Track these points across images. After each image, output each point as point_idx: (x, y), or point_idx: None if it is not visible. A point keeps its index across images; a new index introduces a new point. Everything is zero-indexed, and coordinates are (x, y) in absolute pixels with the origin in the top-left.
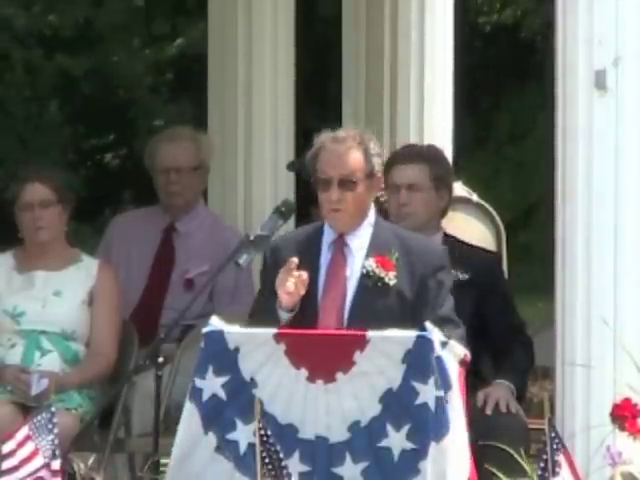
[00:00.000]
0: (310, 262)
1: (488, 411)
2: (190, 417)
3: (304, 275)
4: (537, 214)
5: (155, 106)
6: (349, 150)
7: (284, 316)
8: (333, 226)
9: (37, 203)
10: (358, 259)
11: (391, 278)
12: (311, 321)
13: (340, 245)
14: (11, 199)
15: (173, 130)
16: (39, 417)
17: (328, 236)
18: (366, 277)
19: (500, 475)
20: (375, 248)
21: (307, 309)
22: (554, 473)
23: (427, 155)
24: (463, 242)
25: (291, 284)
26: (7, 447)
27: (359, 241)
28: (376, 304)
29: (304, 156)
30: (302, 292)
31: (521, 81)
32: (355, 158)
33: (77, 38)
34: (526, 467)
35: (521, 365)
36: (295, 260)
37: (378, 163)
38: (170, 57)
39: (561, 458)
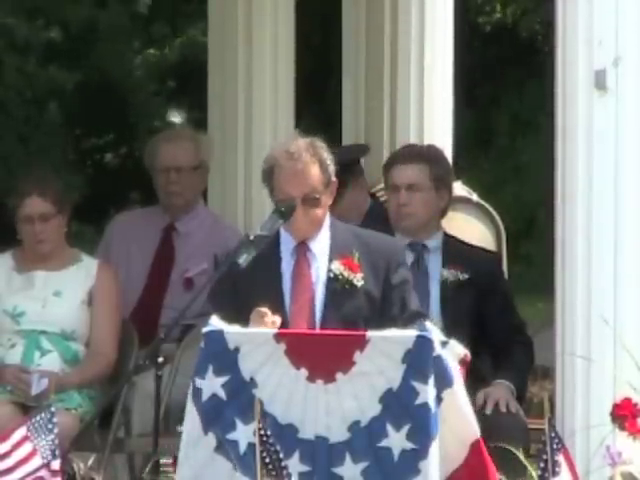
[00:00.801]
0: (272, 270)
1: (488, 411)
2: (189, 417)
3: (278, 322)
4: (538, 224)
5: (155, 108)
6: (306, 167)
7: None
8: (295, 236)
9: (37, 217)
10: (322, 263)
11: (359, 280)
12: (282, 328)
13: (303, 250)
14: (11, 203)
15: (173, 130)
16: (38, 417)
17: (288, 243)
18: (334, 280)
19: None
20: (336, 250)
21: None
22: (554, 473)
23: (427, 155)
24: (463, 242)
25: None
26: (2, 449)
27: (320, 245)
28: (346, 306)
29: None
30: None
31: (521, 81)
32: (313, 174)
33: (78, 38)
34: (528, 466)
35: (521, 365)
36: (266, 311)
37: (332, 169)
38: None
39: (561, 458)
